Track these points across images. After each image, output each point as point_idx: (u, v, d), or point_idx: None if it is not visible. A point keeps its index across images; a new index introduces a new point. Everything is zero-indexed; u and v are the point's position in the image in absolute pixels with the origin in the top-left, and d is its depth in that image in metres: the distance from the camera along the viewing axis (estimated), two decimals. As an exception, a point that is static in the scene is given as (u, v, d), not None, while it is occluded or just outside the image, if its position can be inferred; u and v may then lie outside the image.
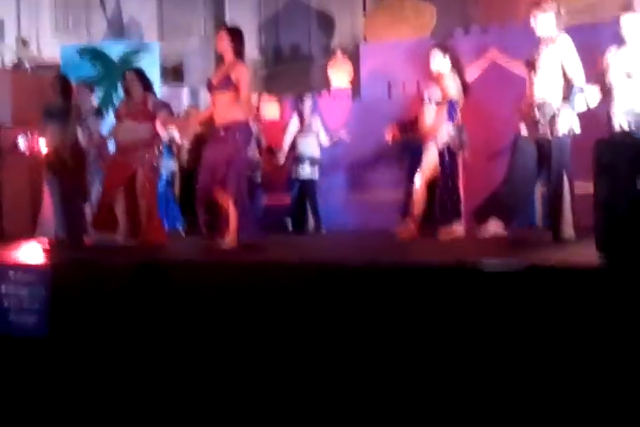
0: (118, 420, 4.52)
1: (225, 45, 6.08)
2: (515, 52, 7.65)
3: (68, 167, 7.40)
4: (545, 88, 5.64)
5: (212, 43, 12.21)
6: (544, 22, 5.66)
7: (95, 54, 10.20)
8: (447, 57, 6.78)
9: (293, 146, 8.96)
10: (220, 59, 6.22)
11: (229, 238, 5.94)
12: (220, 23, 12.53)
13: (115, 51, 10.22)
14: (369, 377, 3.74)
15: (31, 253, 6.59)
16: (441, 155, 6.72)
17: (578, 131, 5.62)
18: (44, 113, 7.62)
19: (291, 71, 11.40)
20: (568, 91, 5.61)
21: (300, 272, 4.20)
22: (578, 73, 5.58)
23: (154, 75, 10.23)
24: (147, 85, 7.16)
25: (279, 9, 11.87)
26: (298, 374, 3.97)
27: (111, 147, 7.67)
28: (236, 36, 6.13)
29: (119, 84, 9.57)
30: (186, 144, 9.25)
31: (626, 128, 5.44)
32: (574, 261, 4.17)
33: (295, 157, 8.89)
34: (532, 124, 5.67)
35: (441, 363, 3.52)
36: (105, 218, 6.95)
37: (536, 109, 5.64)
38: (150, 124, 7.00)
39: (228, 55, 6.08)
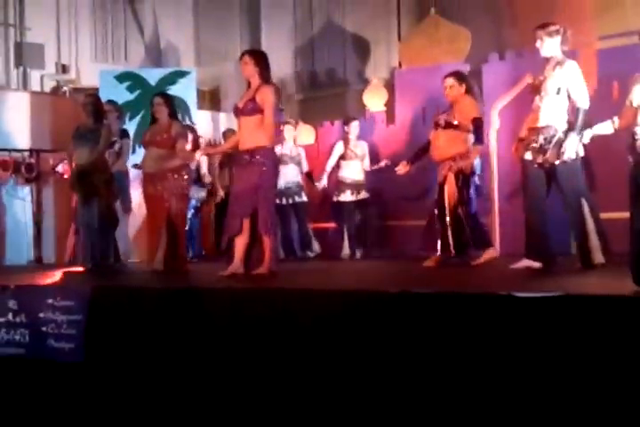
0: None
1: (250, 70, 5.99)
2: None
3: (97, 191, 7.28)
4: (550, 112, 5.57)
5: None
6: (550, 45, 5.67)
7: (133, 79, 10.33)
8: (463, 85, 6.69)
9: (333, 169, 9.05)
10: (247, 84, 6.08)
11: (264, 267, 5.87)
12: (255, 47, 12.67)
13: (152, 76, 10.34)
14: (393, 403, 3.73)
15: (70, 278, 6.67)
16: (456, 180, 6.59)
17: (582, 153, 5.57)
18: (74, 134, 7.52)
19: (326, 96, 11.45)
20: (573, 115, 5.55)
21: (329, 300, 4.20)
22: (583, 97, 5.53)
23: (191, 100, 10.37)
24: (172, 111, 7.08)
25: (315, 34, 11.95)
26: (320, 401, 3.97)
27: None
28: (261, 59, 6.06)
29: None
30: (207, 172, 9.30)
31: None
32: (604, 288, 4.14)
33: (338, 182, 8.89)
34: (538, 148, 5.58)
35: (470, 389, 3.50)
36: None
37: (540, 134, 5.57)
38: (173, 152, 6.89)
39: (255, 79, 5.99)
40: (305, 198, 9.17)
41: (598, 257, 5.52)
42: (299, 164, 9.19)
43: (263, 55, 6.15)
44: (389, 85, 9.95)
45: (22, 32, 11.67)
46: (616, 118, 5.45)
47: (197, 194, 9.05)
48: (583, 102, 5.51)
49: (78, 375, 5.02)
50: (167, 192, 6.84)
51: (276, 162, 6.15)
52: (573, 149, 5.46)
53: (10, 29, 11.66)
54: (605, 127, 5.53)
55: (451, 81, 6.70)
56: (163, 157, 6.89)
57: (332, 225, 9.40)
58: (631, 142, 5.17)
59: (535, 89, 5.68)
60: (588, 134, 5.53)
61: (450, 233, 6.57)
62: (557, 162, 5.50)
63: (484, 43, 9.24)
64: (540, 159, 5.57)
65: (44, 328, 5.23)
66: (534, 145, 5.59)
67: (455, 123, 6.58)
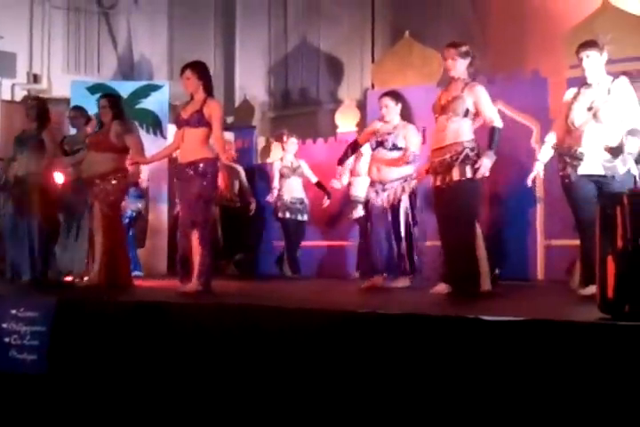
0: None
1: (194, 84, 5.88)
2: (521, 103, 7.78)
3: (35, 200, 6.93)
4: (457, 132, 5.46)
5: (221, 82, 12.47)
6: (461, 66, 5.60)
7: (105, 91, 10.29)
8: (399, 105, 6.55)
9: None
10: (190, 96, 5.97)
11: (194, 282, 5.73)
12: (229, 63, 12.70)
13: (125, 88, 10.30)
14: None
15: (32, 290, 6.58)
16: (410, 200, 6.48)
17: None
18: (15, 140, 7.15)
19: (298, 115, 11.49)
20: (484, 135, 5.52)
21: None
22: (496, 116, 5.51)
23: (163, 113, 10.34)
24: (117, 113, 6.64)
25: (289, 52, 12.01)
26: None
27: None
28: (204, 72, 5.97)
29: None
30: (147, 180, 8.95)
31: None
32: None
33: (350, 200, 8.76)
34: (441, 167, 5.48)
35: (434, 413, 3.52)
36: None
37: (447, 153, 5.44)
38: (111, 155, 6.51)
39: (199, 93, 5.89)
40: (305, 218, 9.13)
41: (486, 284, 5.46)
42: (301, 176, 9.13)
43: (205, 68, 6.03)
44: (362, 106, 10.01)
45: (-6, 40, 11.61)
46: (550, 142, 5.47)
47: (134, 204, 8.71)
48: (498, 122, 5.47)
49: (40, 387, 4.98)
50: (97, 199, 6.46)
51: (217, 175, 5.98)
52: (488, 167, 5.37)
53: (-18, 38, 11.60)
54: (547, 152, 5.52)
55: (387, 100, 6.55)
56: (96, 161, 6.52)
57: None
58: (572, 163, 5.19)
59: (442, 109, 5.56)
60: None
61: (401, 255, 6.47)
62: (461, 179, 5.39)
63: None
64: (446, 180, 5.45)
65: (6, 339, 5.17)
66: (437, 164, 5.51)
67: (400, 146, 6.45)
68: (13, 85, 11.38)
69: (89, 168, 6.56)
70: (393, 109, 6.55)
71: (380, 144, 6.48)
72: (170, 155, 6.31)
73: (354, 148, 6.88)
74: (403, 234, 6.44)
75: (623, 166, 5.06)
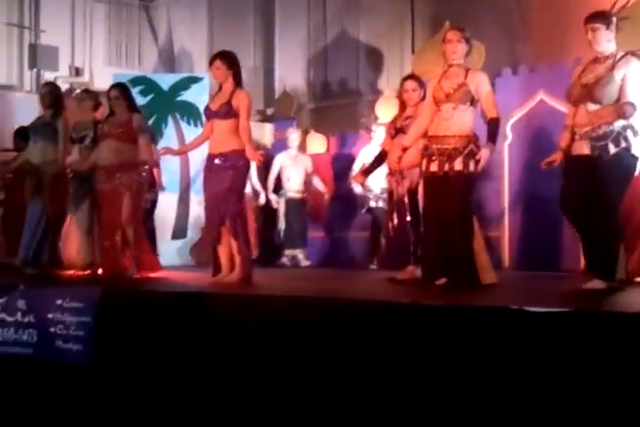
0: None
1: (222, 74, 5.84)
2: (563, 92, 7.69)
3: (48, 189, 6.83)
4: (461, 121, 5.33)
5: (261, 74, 12.50)
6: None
7: (146, 84, 10.32)
8: (423, 90, 6.29)
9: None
10: (219, 86, 5.92)
11: (235, 273, 5.76)
12: (269, 55, 12.71)
13: (165, 81, 10.35)
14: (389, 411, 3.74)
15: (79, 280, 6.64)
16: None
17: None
18: (29, 128, 7.06)
19: (338, 106, 11.46)
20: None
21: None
22: (495, 108, 5.35)
23: (202, 105, 10.37)
24: (132, 104, 6.64)
25: (328, 43, 11.98)
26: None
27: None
28: (233, 62, 5.91)
29: (169, 115, 9.81)
30: None
31: None
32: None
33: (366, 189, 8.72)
34: (442, 157, 5.31)
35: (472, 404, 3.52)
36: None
37: (451, 143, 5.29)
38: (135, 146, 6.49)
39: (227, 83, 5.86)
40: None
41: (490, 276, 5.37)
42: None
43: (234, 58, 5.95)
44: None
45: (37, 34, 11.74)
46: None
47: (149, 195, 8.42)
48: (497, 113, 5.32)
49: (85, 377, 5.04)
50: (123, 186, 6.39)
51: (249, 166, 5.99)
52: (487, 159, 5.26)
53: (25, 31, 11.75)
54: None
55: (413, 84, 6.44)
56: (121, 150, 6.45)
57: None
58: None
59: (447, 97, 5.37)
60: None
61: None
62: (464, 171, 5.26)
63: (497, 57, 9.24)
64: (445, 168, 5.29)
65: (52, 329, 5.25)
66: (435, 151, 5.35)
67: None
68: (56, 79, 11.43)
69: (113, 156, 6.46)
70: (417, 94, 6.36)
71: (401, 130, 6.27)
72: (199, 146, 6.31)
73: (381, 159, 6.60)
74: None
75: (614, 147, 4.80)
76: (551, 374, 3.34)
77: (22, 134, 7.60)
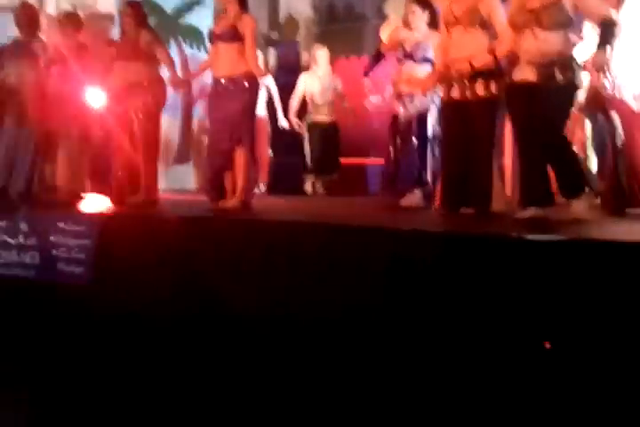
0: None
1: None
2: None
3: (30, 112, 6.53)
4: (474, 44, 5.16)
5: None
6: None
7: (150, 6, 10.18)
8: (426, 12, 6.24)
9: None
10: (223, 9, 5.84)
11: (237, 198, 5.73)
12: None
13: (169, 3, 10.20)
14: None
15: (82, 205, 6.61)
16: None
17: None
18: (3, 49, 6.69)
19: (343, 30, 11.28)
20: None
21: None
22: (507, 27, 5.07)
23: (206, 29, 10.23)
24: (140, 21, 6.28)
25: (335, -34, 11.72)
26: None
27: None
28: None
29: (171, 39, 9.69)
30: None
31: None
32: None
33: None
34: (462, 81, 5.18)
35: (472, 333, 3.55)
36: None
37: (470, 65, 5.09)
38: (142, 64, 6.18)
39: (233, 6, 5.76)
40: None
41: (500, 204, 5.28)
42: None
43: None
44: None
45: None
46: None
47: None
48: (509, 32, 4.99)
49: (85, 298, 5.11)
50: (134, 109, 6.17)
51: (258, 88, 5.90)
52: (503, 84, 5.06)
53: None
54: None
55: (416, 6, 6.28)
56: (129, 70, 6.19)
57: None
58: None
59: (456, 20, 5.21)
60: None
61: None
62: (487, 95, 5.13)
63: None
64: (467, 93, 5.16)
65: (54, 251, 5.30)
66: (454, 76, 5.19)
67: None
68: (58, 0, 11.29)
69: (117, 79, 6.25)
70: (420, 17, 6.25)
71: (409, 56, 6.22)
72: (206, 70, 6.19)
73: (377, 57, 6.64)
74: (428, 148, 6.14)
75: (560, 75, 4.70)
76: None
77: None
